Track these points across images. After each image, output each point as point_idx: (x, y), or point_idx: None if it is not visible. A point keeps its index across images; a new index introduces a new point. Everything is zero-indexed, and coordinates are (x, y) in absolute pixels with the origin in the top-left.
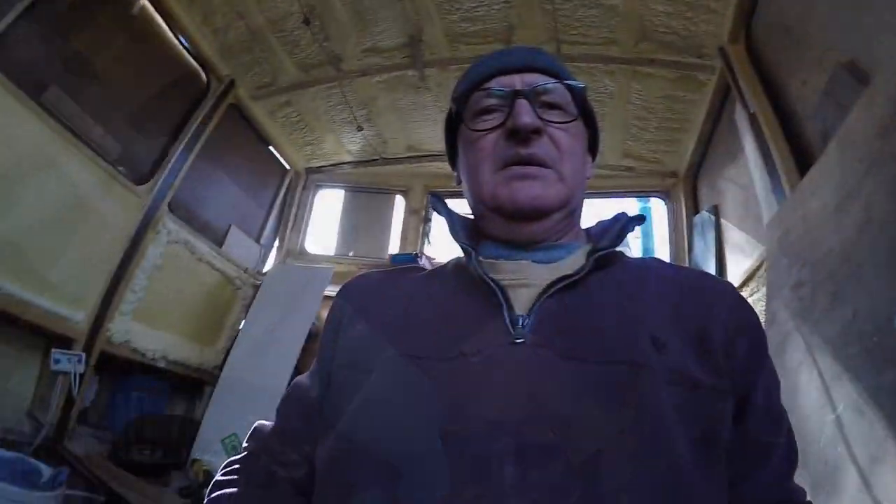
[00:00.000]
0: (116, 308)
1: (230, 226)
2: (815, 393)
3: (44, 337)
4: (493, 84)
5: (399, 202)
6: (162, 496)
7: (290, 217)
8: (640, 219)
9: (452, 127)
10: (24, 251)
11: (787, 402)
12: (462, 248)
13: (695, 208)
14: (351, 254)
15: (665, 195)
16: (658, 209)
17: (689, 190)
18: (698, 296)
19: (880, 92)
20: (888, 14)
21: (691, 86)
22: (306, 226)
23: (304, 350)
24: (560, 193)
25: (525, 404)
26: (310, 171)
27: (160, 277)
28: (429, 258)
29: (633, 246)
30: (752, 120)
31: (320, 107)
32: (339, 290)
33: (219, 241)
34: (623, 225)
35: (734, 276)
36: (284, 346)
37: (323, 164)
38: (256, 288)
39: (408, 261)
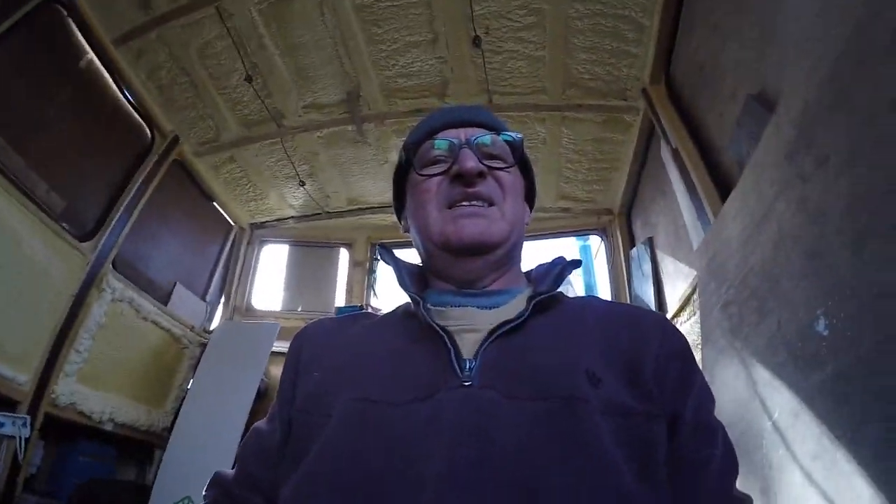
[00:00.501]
0: (61, 369)
1: (175, 283)
2: (752, 402)
3: None
4: (440, 136)
5: (343, 255)
6: None
7: (236, 273)
8: (577, 263)
9: (400, 177)
10: None
11: (728, 413)
12: (410, 296)
13: (631, 242)
14: (299, 308)
15: (602, 232)
16: (597, 246)
17: (625, 226)
18: (632, 329)
19: (785, 118)
20: (789, 46)
21: (619, 127)
22: (252, 282)
23: (254, 409)
24: (503, 230)
25: (476, 440)
26: (254, 226)
27: (105, 337)
28: (374, 310)
29: (575, 283)
30: (676, 155)
31: (263, 162)
32: (296, 335)
33: (164, 298)
34: (561, 269)
35: (672, 302)
36: (234, 404)
37: (267, 219)
38: (203, 346)
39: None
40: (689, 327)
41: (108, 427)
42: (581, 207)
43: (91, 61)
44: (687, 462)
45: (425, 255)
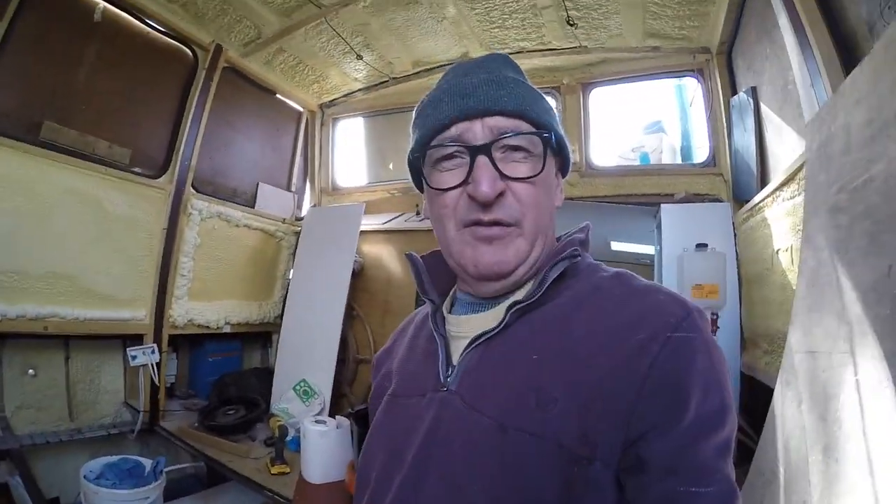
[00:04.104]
0: (172, 295)
1: (258, 184)
2: (841, 344)
3: (119, 338)
4: (453, 132)
5: None
6: (250, 450)
7: (316, 156)
8: (573, 257)
9: (415, 164)
10: (78, 280)
11: (813, 341)
12: (428, 301)
13: (732, 89)
14: (393, 164)
15: (698, 74)
16: (693, 90)
17: (724, 68)
18: (624, 343)
19: None
20: None
21: None
22: (333, 161)
23: (352, 286)
24: (520, 251)
25: (434, 442)
26: (323, 106)
27: (204, 254)
28: None
29: (671, 131)
30: None
31: (314, 45)
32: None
33: (250, 201)
34: (544, 275)
35: (775, 170)
36: (334, 285)
37: (335, 96)
38: (298, 234)
39: None
40: (791, 207)
41: (227, 329)
42: (673, 46)
43: (105, 10)
44: (658, 499)
45: (448, 262)
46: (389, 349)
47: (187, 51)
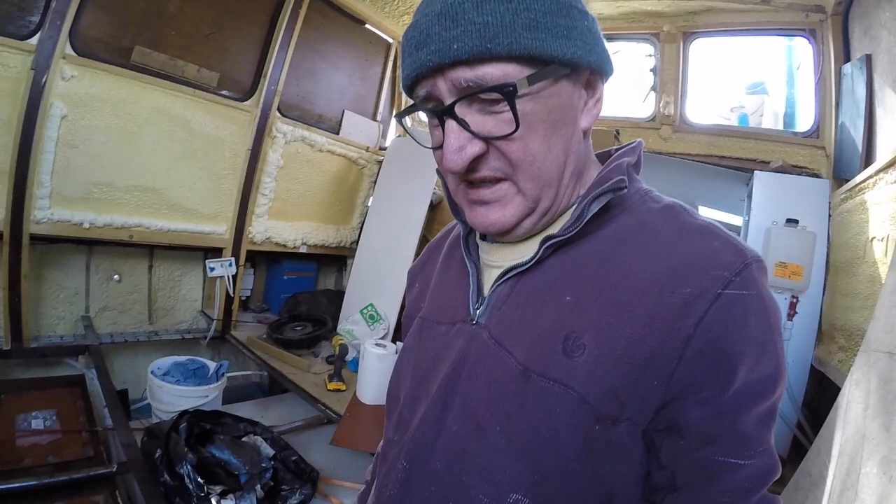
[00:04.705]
0: (252, 213)
1: (343, 112)
2: None
3: (200, 250)
4: (421, 92)
5: None
6: (311, 365)
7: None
8: (618, 189)
9: None
10: (164, 194)
11: (894, 342)
12: (461, 224)
13: (846, 55)
14: None
15: (810, 35)
16: (804, 52)
17: (839, 30)
18: (670, 295)
19: None
20: None
21: None
22: None
23: (428, 219)
24: (519, 207)
25: (460, 374)
26: None
27: (286, 176)
28: None
29: (775, 95)
30: None
31: None
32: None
33: (335, 128)
34: (584, 208)
35: (883, 150)
36: (410, 215)
37: None
38: (380, 163)
39: None
40: (894, 193)
41: (303, 250)
42: (785, 1)
43: None
44: (694, 466)
45: None
46: (424, 263)
47: None
